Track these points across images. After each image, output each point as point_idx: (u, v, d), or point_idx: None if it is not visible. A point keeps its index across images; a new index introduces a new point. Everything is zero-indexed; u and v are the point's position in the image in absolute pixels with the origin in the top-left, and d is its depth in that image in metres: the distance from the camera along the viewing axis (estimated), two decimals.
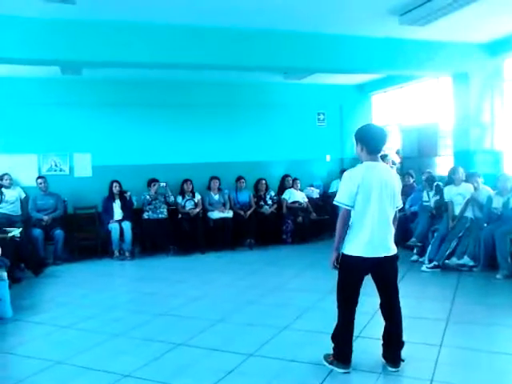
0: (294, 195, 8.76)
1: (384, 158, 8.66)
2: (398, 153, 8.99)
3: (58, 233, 7.30)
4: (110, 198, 7.82)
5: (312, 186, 9.55)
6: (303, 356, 3.51)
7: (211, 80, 8.80)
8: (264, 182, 8.76)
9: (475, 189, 6.33)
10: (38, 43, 5.47)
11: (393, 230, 3.22)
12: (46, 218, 7.38)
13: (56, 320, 4.55)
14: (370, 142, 3.19)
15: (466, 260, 5.99)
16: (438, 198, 6.74)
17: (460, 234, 6.13)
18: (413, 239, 6.66)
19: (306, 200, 8.89)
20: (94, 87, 8.36)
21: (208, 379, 3.16)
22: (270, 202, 8.69)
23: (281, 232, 8.47)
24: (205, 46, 6.07)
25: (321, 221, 8.74)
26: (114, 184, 7.81)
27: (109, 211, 7.76)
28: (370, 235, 3.10)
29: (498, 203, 6.06)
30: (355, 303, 3.24)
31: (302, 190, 9.03)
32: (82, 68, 7.25)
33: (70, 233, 7.63)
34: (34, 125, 8.16)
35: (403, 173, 8.18)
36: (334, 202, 3.21)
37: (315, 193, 9.40)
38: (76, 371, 3.38)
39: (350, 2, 5.31)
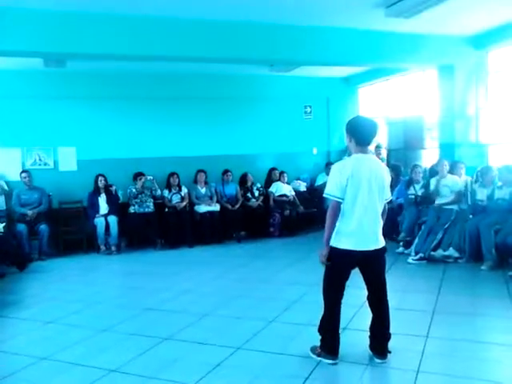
0: (281, 188, 8.75)
1: (378, 148, 8.73)
2: (379, 146, 9.00)
3: (43, 228, 7.21)
4: (96, 192, 7.74)
5: (299, 179, 9.56)
6: (291, 349, 3.51)
7: (197, 73, 8.74)
8: (250, 175, 8.73)
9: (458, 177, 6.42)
10: (20, 34, 5.35)
11: (381, 223, 3.22)
12: (30, 212, 7.28)
13: (41, 315, 4.50)
14: (360, 134, 3.17)
15: (451, 251, 6.04)
16: (423, 190, 6.80)
17: (446, 226, 6.18)
18: (402, 234, 6.69)
19: (293, 193, 8.89)
20: (79, 80, 8.25)
21: (195, 373, 3.15)
22: (256, 194, 8.68)
23: (268, 225, 8.47)
24: (190, 39, 6.01)
25: (308, 214, 8.75)
26: (100, 178, 7.73)
27: (94, 206, 7.68)
28: (359, 228, 3.10)
29: (482, 195, 6.12)
30: (341, 295, 3.24)
31: (288, 183, 9.02)
32: (66, 60, 7.13)
33: (55, 228, 7.56)
34: (17, 118, 8.01)
35: (389, 166, 8.21)
36: (325, 195, 3.18)
37: (302, 186, 9.40)
38: (61, 367, 3.34)
39: None
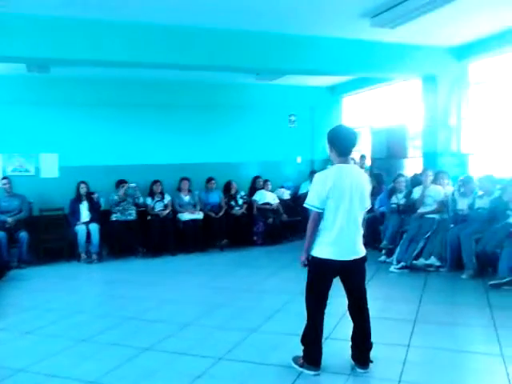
0: (265, 196, 8.75)
1: (362, 158, 8.83)
2: (363, 157, 9.09)
3: (23, 235, 7.08)
4: (77, 199, 7.64)
5: (283, 187, 9.57)
6: (273, 359, 3.49)
7: (181, 80, 8.72)
8: (234, 183, 8.72)
9: (442, 187, 6.48)
10: (2, 39, 5.25)
11: (362, 232, 3.24)
12: (9, 219, 7.14)
13: (19, 325, 4.41)
14: (340, 144, 3.19)
15: (433, 260, 6.08)
16: (405, 200, 6.86)
17: (427, 235, 6.23)
18: (384, 242, 6.72)
19: (277, 201, 8.89)
20: (62, 86, 8.16)
21: None
22: (240, 202, 8.66)
23: (251, 233, 8.44)
24: (175, 46, 5.99)
25: (292, 222, 8.75)
26: (81, 185, 7.64)
27: (75, 213, 7.57)
28: (339, 238, 3.11)
29: (463, 205, 6.19)
30: (324, 305, 3.24)
31: (272, 191, 9.02)
32: (50, 66, 7.05)
33: (36, 235, 7.41)
34: None
35: (372, 175, 8.27)
36: (305, 205, 3.20)
37: (286, 194, 9.42)
38: (38, 379, 3.26)
39: (322, 3, 5.32)
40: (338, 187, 3.08)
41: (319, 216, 3.14)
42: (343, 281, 3.27)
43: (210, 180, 8.58)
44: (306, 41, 6.58)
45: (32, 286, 6.08)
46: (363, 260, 3.24)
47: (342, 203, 3.09)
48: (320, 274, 3.19)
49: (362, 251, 3.22)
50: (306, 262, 3.23)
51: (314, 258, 3.18)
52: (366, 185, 3.26)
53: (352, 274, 3.23)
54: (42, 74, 7.59)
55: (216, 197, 8.54)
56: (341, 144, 3.18)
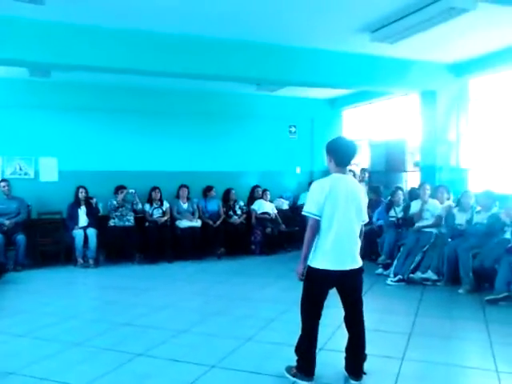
0: (264, 206, 8.75)
1: (363, 171, 8.85)
2: (364, 170, 9.11)
3: (20, 238, 7.07)
4: (76, 203, 7.65)
5: (282, 197, 9.58)
6: (266, 368, 3.47)
7: (183, 88, 8.76)
8: (233, 191, 8.73)
9: (441, 202, 6.48)
10: (5, 42, 5.30)
11: (359, 243, 3.23)
12: (7, 222, 7.14)
13: (12, 328, 4.38)
14: (339, 155, 3.21)
15: (430, 274, 6.08)
16: (403, 213, 6.87)
17: (425, 249, 6.23)
18: (382, 257, 6.71)
19: (276, 211, 8.90)
20: (63, 90, 8.19)
21: None
22: (239, 212, 8.66)
23: (249, 243, 8.43)
24: (177, 54, 6.02)
25: (290, 232, 8.74)
26: (80, 190, 7.65)
27: (74, 217, 7.58)
28: (335, 248, 3.11)
29: (461, 219, 6.20)
30: (319, 316, 3.22)
31: (271, 201, 9.03)
32: (51, 70, 7.09)
33: (33, 238, 7.41)
34: None
35: (370, 187, 8.29)
36: (303, 213, 3.19)
37: (285, 204, 9.43)
38: (29, 382, 3.24)
39: (323, 16, 5.37)
40: (334, 195, 3.10)
41: (317, 224, 3.14)
42: (340, 291, 3.26)
43: (209, 189, 8.59)
44: (307, 53, 6.62)
45: (27, 289, 6.06)
46: (360, 271, 3.23)
47: (337, 212, 3.10)
48: (316, 284, 3.18)
49: (358, 262, 3.21)
50: (304, 275, 3.19)
51: (310, 268, 3.18)
52: (363, 196, 3.26)
53: (349, 284, 3.22)
54: (44, 79, 7.63)
55: (215, 205, 8.55)
56: (339, 155, 3.20)
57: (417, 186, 7.29)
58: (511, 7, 4.91)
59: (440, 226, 6.43)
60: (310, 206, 3.14)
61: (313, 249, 3.18)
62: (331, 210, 3.09)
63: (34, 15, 5.22)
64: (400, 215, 6.97)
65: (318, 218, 3.12)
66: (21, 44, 5.36)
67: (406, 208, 6.85)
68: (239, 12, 5.24)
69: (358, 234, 3.22)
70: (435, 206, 6.48)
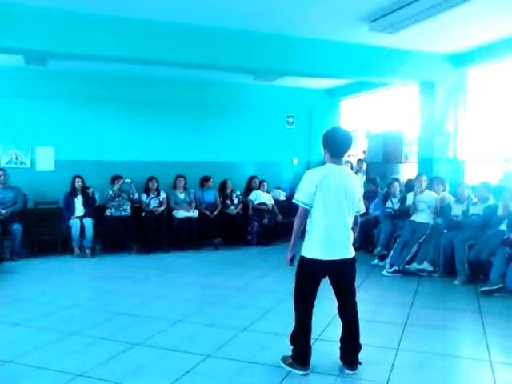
0: (261, 197, 8.75)
1: (360, 161, 8.86)
2: (361, 160, 9.11)
3: (16, 227, 7.06)
4: (72, 193, 7.62)
5: (279, 188, 9.58)
6: (262, 358, 3.48)
7: (180, 77, 8.72)
8: (229, 182, 8.72)
9: (438, 194, 6.49)
10: (0, 30, 5.25)
11: (351, 234, 3.24)
12: (3, 211, 7.12)
13: (8, 317, 4.38)
14: (334, 145, 3.22)
15: (425, 265, 6.10)
16: (399, 205, 6.88)
17: (421, 240, 6.25)
18: (379, 249, 6.74)
19: (273, 202, 8.90)
20: (60, 79, 8.13)
21: (163, 380, 3.10)
22: (236, 201, 8.66)
23: (246, 233, 8.44)
24: (174, 43, 5.98)
25: (286, 223, 8.67)
26: (77, 179, 7.62)
27: (70, 207, 7.56)
28: (327, 237, 3.13)
29: (457, 211, 6.21)
30: (312, 305, 3.24)
31: (268, 192, 9.03)
32: (48, 59, 7.04)
33: (30, 228, 7.40)
34: None
35: (368, 178, 8.30)
36: (293, 201, 3.25)
37: (282, 195, 9.42)
38: (25, 371, 3.25)
39: (322, 6, 5.34)
40: (326, 184, 3.11)
41: (306, 213, 3.17)
42: (332, 281, 3.27)
43: (207, 179, 8.57)
44: (305, 43, 6.59)
45: (24, 278, 6.07)
46: (352, 261, 3.24)
47: (329, 202, 3.11)
48: (308, 274, 3.20)
49: (350, 252, 3.22)
50: (291, 262, 3.25)
51: (302, 257, 3.20)
52: (358, 187, 3.26)
53: (341, 274, 3.24)
54: (40, 67, 7.57)
55: (211, 196, 8.54)
56: (334, 146, 3.21)
57: (413, 178, 7.29)
58: None
59: (436, 216, 6.44)
60: (300, 195, 3.17)
61: (305, 239, 3.21)
62: (322, 199, 3.11)
63: (30, 2, 5.16)
64: (397, 206, 6.98)
65: (307, 207, 3.14)
66: (16, 32, 5.30)
67: (403, 199, 6.86)
68: (237, 2, 5.20)
69: (350, 225, 3.23)
70: (431, 197, 6.49)
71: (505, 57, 6.62)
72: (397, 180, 7.34)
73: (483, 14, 5.49)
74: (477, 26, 5.99)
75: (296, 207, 3.26)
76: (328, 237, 3.12)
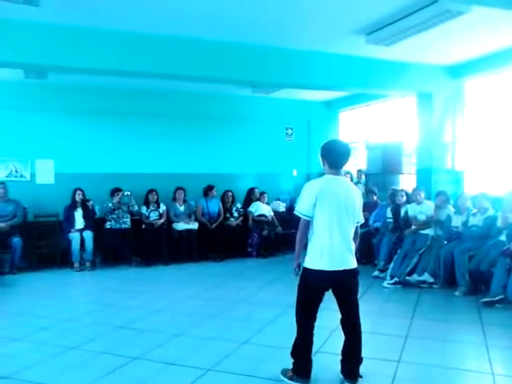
0: (261, 208, 8.75)
1: (359, 172, 8.85)
2: (360, 171, 9.12)
3: (16, 241, 7.04)
4: (72, 206, 7.62)
5: (279, 199, 9.58)
6: (262, 371, 3.46)
7: (179, 90, 8.76)
8: (230, 193, 8.73)
9: (438, 207, 6.47)
10: (1, 44, 5.28)
11: (353, 244, 3.24)
12: (3, 225, 7.11)
13: (7, 331, 4.37)
14: (332, 157, 3.22)
15: (426, 277, 6.08)
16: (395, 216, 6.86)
17: (421, 251, 6.24)
18: (381, 263, 6.67)
19: (272, 214, 8.90)
20: (60, 92, 8.16)
21: None
22: (236, 214, 8.66)
23: (246, 245, 8.43)
24: (172, 57, 6.01)
25: (286, 235, 8.71)
26: (78, 192, 7.63)
27: (70, 220, 7.55)
28: (328, 248, 3.12)
29: (457, 222, 6.20)
30: (314, 318, 3.23)
31: (268, 204, 9.03)
32: (47, 72, 7.08)
33: (29, 241, 7.39)
34: None
35: (367, 190, 8.29)
36: (294, 212, 3.26)
37: (281, 207, 9.42)
38: None
39: (319, 19, 5.38)
40: (326, 195, 3.11)
41: (308, 224, 3.17)
42: (335, 293, 3.25)
43: (210, 188, 8.57)
44: (303, 55, 6.62)
45: (23, 291, 6.05)
46: (355, 272, 3.23)
47: (329, 213, 3.11)
48: (311, 285, 3.18)
49: (353, 263, 3.20)
50: (298, 270, 3.26)
51: (305, 269, 3.18)
52: (357, 198, 3.26)
53: (344, 286, 3.22)
54: (40, 81, 7.61)
55: (215, 205, 8.54)
56: (333, 157, 3.22)
57: (410, 191, 7.19)
58: (506, 10, 4.93)
59: (430, 227, 6.41)
60: (301, 207, 3.19)
61: (308, 250, 3.20)
62: (323, 210, 3.11)
63: (30, 17, 5.20)
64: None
65: (308, 218, 3.14)
66: (16, 46, 5.32)
67: (397, 212, 6.82)
68: (235, 14, 5.24)
69: (352, 235, 3.23)
70: (429, 208, 6.48)
71: (502, 68, 6.66)
72: (402, 190, 7.22)
73: (479, 26, 5.53)
74: (473, 38, 6.04)
75: (297, 218, 3.26)
76: (330, 247, 3.11)
